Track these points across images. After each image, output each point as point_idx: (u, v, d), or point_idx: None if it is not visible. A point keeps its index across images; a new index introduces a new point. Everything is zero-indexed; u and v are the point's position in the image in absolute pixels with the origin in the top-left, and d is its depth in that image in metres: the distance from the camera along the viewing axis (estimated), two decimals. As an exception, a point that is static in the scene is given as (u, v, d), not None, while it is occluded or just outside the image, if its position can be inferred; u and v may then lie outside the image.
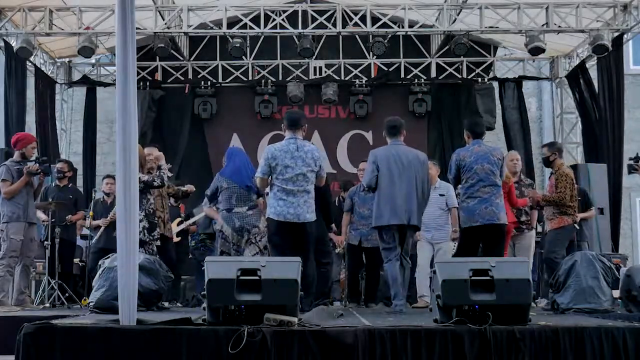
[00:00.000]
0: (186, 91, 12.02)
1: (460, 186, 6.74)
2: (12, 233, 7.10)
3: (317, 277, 6.42)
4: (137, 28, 9.86)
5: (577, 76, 11.39)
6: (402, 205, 6.36)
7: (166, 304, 7.01)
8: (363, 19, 10.56)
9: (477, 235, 6.50)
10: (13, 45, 10.25)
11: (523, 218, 7.89)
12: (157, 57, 11.42)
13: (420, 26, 10.79)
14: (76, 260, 9.12)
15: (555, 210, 7.48)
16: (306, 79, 11.91)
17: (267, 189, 6.36)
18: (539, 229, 8.60)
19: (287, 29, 10.63)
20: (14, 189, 7.14)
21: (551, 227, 7.54)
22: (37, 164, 7.20)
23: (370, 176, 6.49)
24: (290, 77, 11.93)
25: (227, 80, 12.08)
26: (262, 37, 11.33)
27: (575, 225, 7.61)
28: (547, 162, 7.75)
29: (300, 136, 6.25)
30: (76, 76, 12.36)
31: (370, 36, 10.85)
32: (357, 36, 11.46)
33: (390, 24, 10.71)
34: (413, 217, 6.39)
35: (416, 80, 11.90)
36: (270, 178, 6.16)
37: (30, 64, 10.88)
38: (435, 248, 7.74)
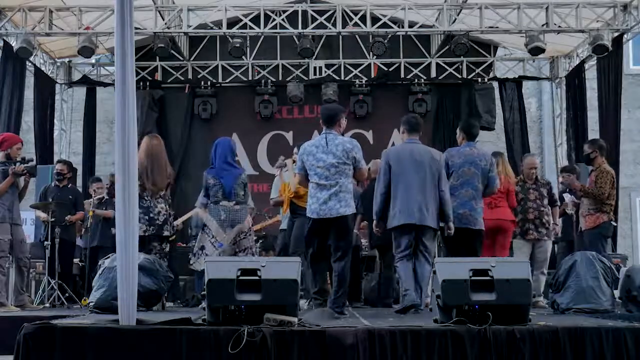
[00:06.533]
0: (186, 91, 12.02)
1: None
2: None
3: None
4: (137, 28, 9.89)
5: (574, 76, 11.40)
6: (416, 204, 6.07)
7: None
8: (363, 19, 10.54)
9: (455, 236, 6.33)
10: (13, 45, 10.23)
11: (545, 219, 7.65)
12: (157, 57, 11.40)
13: (420, 26, 10.78)
14: (76, 260, 9.13)
15: (591, 207, 7.48)
16: (306, 79, 11.90)
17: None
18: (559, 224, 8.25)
19: (287, 29, 10.62)
20: None
21: (586, 226, 7.50)
22: (23, 165, 7.15)
23: (382, 183, 6.26)
24: (290, 77, 11.92)
25: (227, 80, 12.07)
26: (262, 37, 11.32)
27: (612, 222, 7.49)
28: (588, 160, 7.72)
29: (335, 131, 6.10)
30: (76, 76, 12.35)
31: (370, 36, 10.83)
32: (357, 36, 11.45)
33: (390, 24, 10.69)
34: (427, 218, 6.09)
35: (416, 80, 11.88)
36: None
37: (30, 64, 10.86)
38: None
